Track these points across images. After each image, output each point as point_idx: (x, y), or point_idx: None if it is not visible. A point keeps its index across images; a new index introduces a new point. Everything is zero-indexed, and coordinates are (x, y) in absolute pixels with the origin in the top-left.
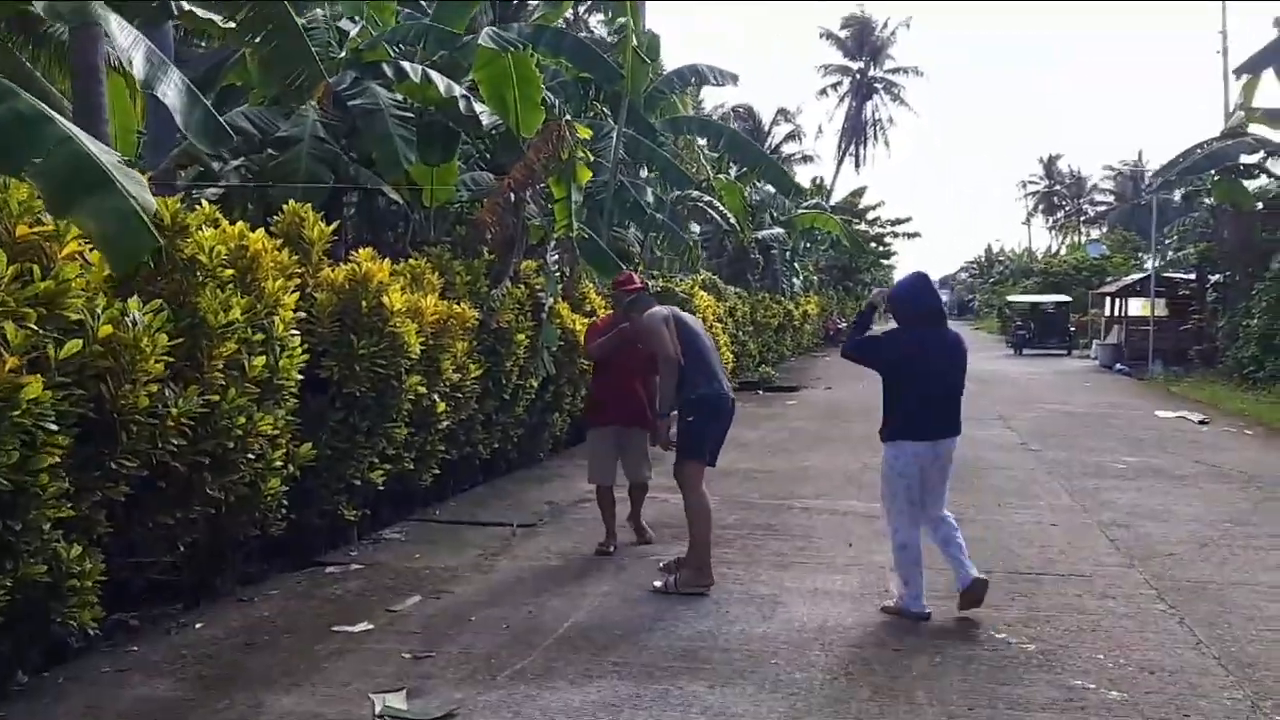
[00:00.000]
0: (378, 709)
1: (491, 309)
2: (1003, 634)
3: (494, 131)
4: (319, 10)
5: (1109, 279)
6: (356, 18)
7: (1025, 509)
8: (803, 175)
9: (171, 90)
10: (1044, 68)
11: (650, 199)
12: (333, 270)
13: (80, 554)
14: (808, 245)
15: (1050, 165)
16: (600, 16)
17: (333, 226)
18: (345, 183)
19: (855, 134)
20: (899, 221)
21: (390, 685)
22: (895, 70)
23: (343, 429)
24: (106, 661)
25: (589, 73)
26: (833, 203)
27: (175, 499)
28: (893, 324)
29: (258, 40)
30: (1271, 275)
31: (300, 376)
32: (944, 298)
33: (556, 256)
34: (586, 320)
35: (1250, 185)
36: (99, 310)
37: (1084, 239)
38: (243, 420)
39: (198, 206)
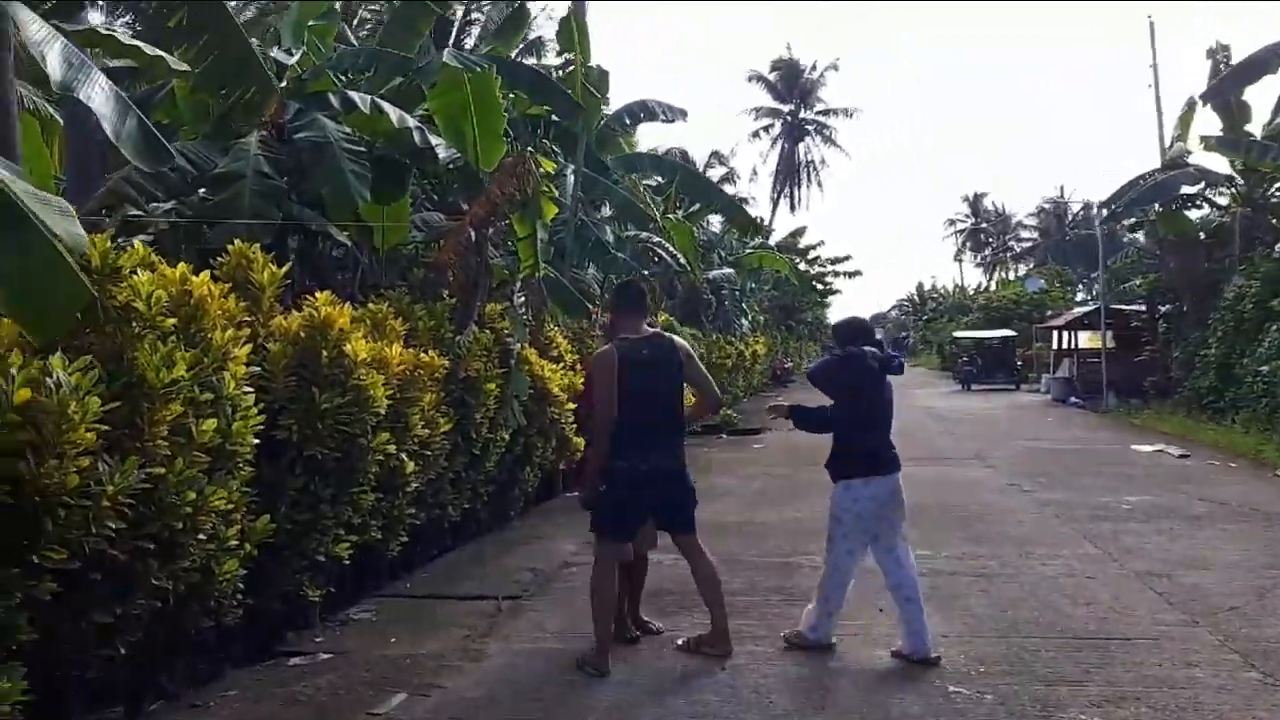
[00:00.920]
0: None
1: (459, 356)
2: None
3: (450, 166)
4: (253, 40)
5: (1049, 313)
6: (292, 50)
7: (1052, 560)
8: None
9: (97, 95)
10: (969, 107)
11: (610, 238)
12: (286, 318)
13: None
14: (753, 285)
15: (976, 203)
16: (534, 58)
17: (284, 269)
18: (291, 222)
19: (789, 175)
20: (839, 260)
21: None
22: (825, 112)
23: (304, 498)
24: None
25: (549, 105)
26: (774, 243)
27: (114, 593)
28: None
29: (197, 48)
30: (1226, 304)
31: (255, 440)
32: (878, 335)
33: (523, 299)
34: (555, 367)
35: (1193, 216)
36: (13, 371)
37: (1012, 275)
38: (192, 495)
39: (129, 248)
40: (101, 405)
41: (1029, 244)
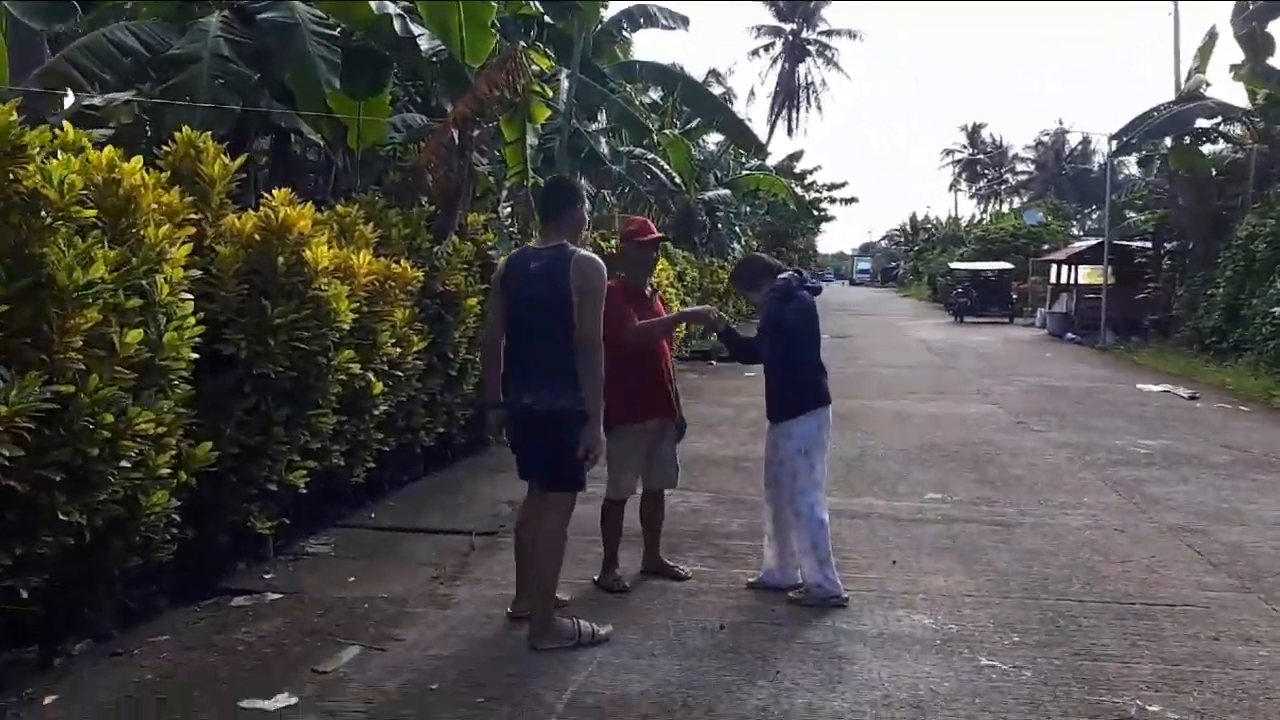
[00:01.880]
0: None
1: (436, 268)
2: (1156, 706)
3: (433, 59)
4: None
5: (1045, 246)
6: None
7: (1074, 509)
8: None
9: None
10: (972, 34)
11: (605, 150)
12: (240, 218)
13: None
14: (748, 209)
15: (974, 134)
16: None
17: (238, 161)
18: (256, 115)
19: (788, 97)
20: (835, 186)
21: None
22: (828, 32)
23: (254, 420)
24: None
25: (541, 4)
26: (771, 166)
27: (14, 530)
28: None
29: None
30: (1238, 243)
31: (194, 355)
32: (866, 265)
33: (509, 209)
34: None
35: (1207, 151)
36: None
37: (1006, 208)
38: (110, 418)
39: (58, 132)
40: None
41: (1025, 177)
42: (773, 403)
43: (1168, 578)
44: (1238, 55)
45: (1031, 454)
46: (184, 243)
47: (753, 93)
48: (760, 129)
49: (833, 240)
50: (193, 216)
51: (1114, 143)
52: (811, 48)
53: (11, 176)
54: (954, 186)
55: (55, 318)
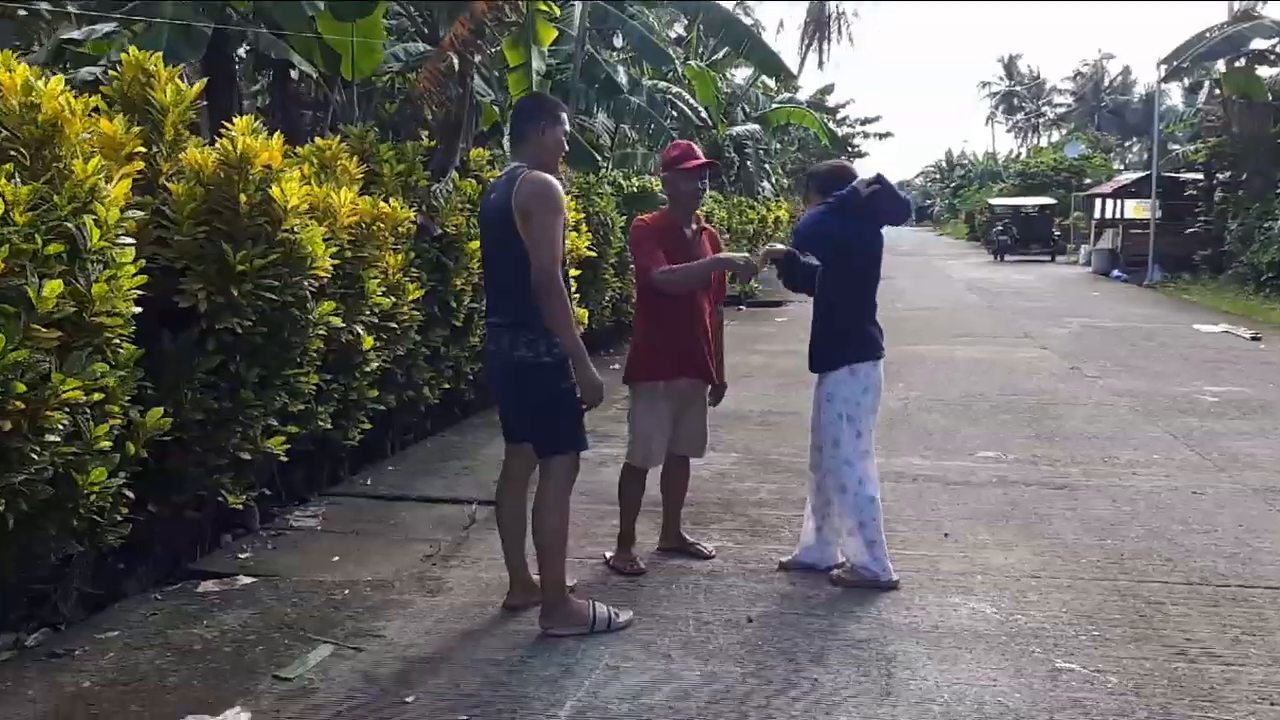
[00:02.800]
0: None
1: (434, 208)
2: None
3: None
4: None
5: (1088, 180)
6: None
7: (1144, 468)
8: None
9: None
10: None
11: (624, 79)
12: (201, 152)
13: None
14: (778, 146)
15: (1010, 65)
16: None
17: (196, 88)
18: (233, 39)
19: (819, 28)
20: (869, 121)
21: None
22: None
23: (222, 382)
24: None
25: None
26: (803, 100)
27: None
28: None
29: None
30: None
31: (138, 309)
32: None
33: None
34: None
35: (1264, 75)
36: None
37: (1044, 141)
38: (22, 386)
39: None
40: None
41: (1063, 110)
42: (810, 349)
43: (1261, 552)
44: None
45: (1090, 404)
46: (123, 178)
47: (782, 24)
48: (791, 62)
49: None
50: (139, 149)
51: (1162, 68)
52: None
53: None
54: (991, 120)
55: None
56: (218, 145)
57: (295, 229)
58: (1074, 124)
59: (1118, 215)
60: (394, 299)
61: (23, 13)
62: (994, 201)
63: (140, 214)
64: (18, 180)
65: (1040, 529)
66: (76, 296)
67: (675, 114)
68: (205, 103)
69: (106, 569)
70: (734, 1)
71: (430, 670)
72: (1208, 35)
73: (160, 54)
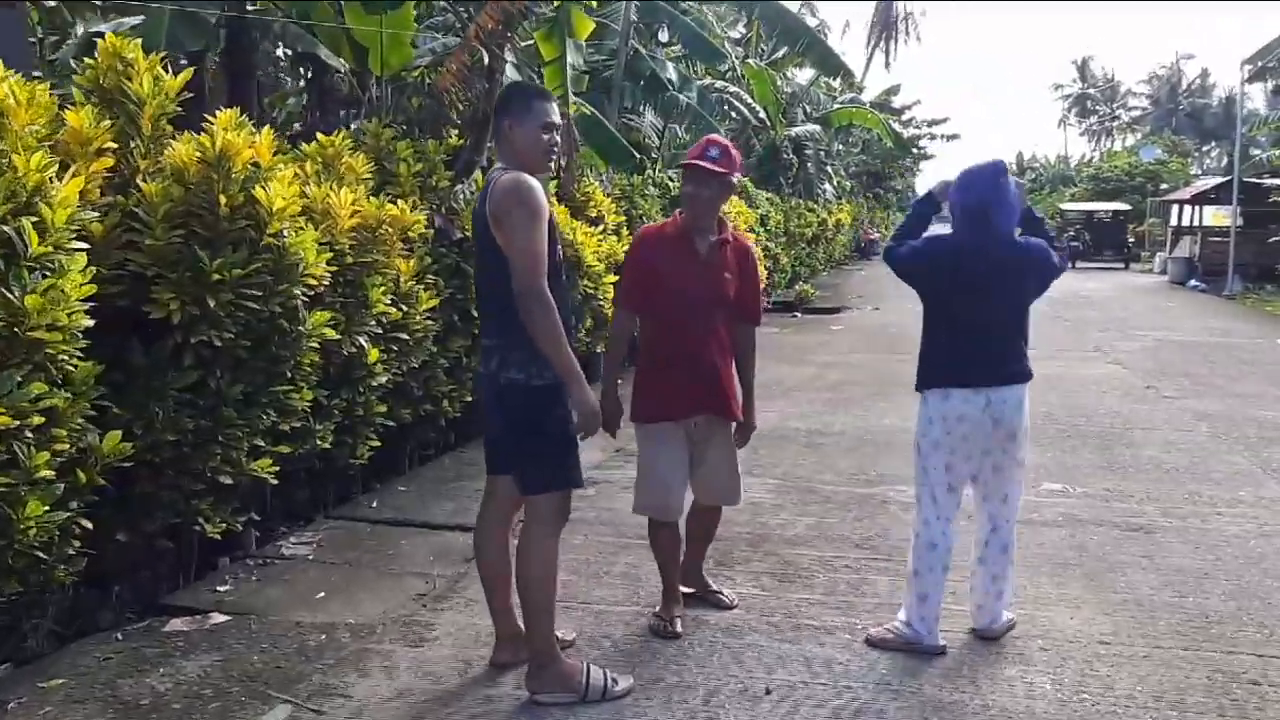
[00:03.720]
0: None
1: (454, 210)
2: None
3: None
4: None
5: (1164, 185)
6: None
7: (1229, 508)
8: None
9: None
10: None
11: (672, 75)
12: (185, 149)
13: None
14: (841, 147)
15: (1084, 67)
16: None
17: (181, 78)
18: (249, 29)
19: (885, 28)
20: (936, 123)
21: None
22: None
23: (199, 399)
24: None
25: None
26: (867, 100)
27: None
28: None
29: None
30: None
31: (89, 321)
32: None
33: None
34: (589, 231)
35: None
36: None
37: (1118, 145)
38: None
39: None
40: None
41: (1138, 113)
42: None
43: None
44: None
45: (1167, 428)
46: (74, 177)
47: (847, 24)
48: (856, 62)
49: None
50: (109, 145)
51: (1246, 69)
52: None
53: None
54: (1063, 123)
55: None
56: (194, 141)
57: (284, 233)
58: (1149, 127)
59: (1196, 222)
60: (405, 308)
61: (50, 3)
62: (1065, 207)
63: (92, 215)
64: None
65: (1112, 581)
66: (9, 309)
67: (733, 114)
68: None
69: (82, 600)
70: (798, 1)
71: None
72: None
73: (138, 42)
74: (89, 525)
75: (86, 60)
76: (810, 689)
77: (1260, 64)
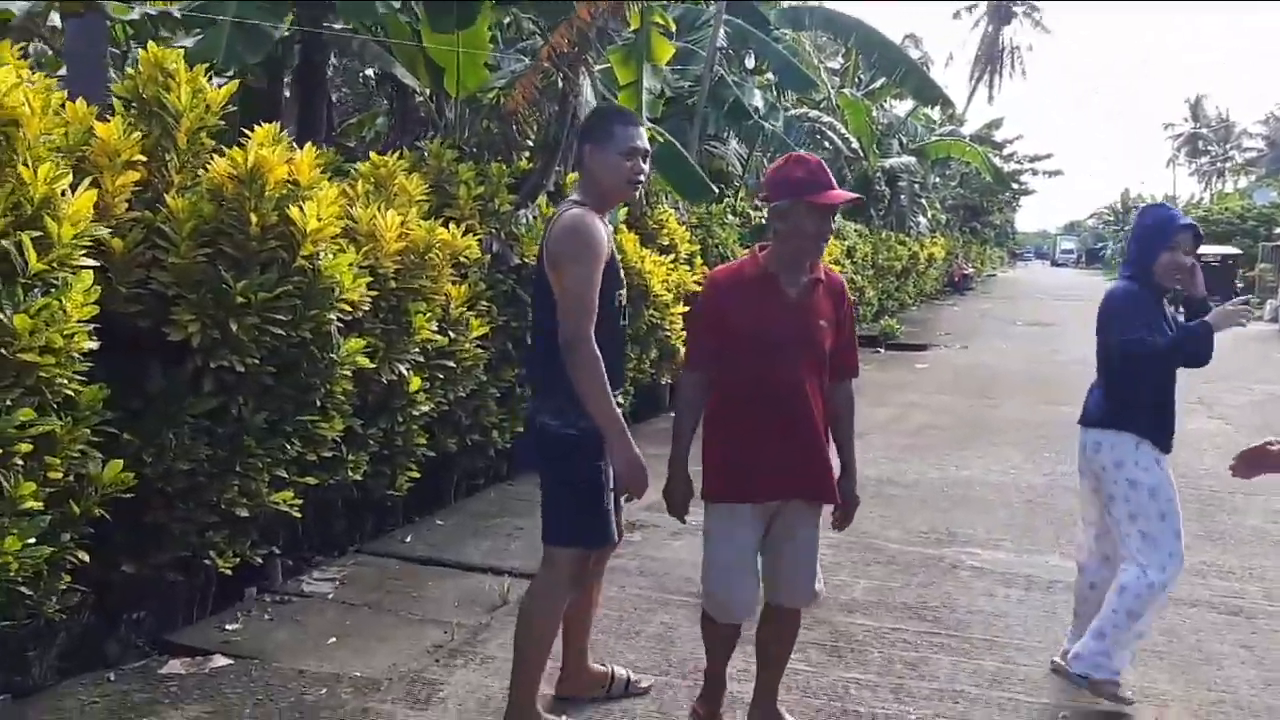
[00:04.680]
0: None
1: (514, 235)
2: None
3: None
4: None
5: (1278, 230)
6: None
7: None
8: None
9: None
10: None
11: (759, 103)
12: (223, 162)
13: None
14: (937, 180)
15: (1196, 106)
16: None
17: (225, 91)
18: (323, 45)
19: (990, 61)
20: (1038, 158)
21: None
22: None
23: (219, 427)
24: None
25: None
26: (966, 134)
27: None
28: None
29: None
30: None
31: (92, 343)
32: (1071, 245)
33: None
34: (659, 260)
35: None
36: None
37: (1230, 187)
38: None
39: None
40: None
41: (1253, 154)
42: None
43: None
44: None
45: (1274, 494)
46: (89, 190)
47: (951, 56)
48: (959, 95)
49: (1034, 217)
50: (138, 158)
51: None
52: (1019, 8)
53: None
54: (1172, 162)
55: None
56: (226, 156)
57: (319, 255)
58: (1265, 169)
59: None
60: (453, 335)
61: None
62: None
63: (107, 231)
64: None
65: (1206, 675)
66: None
67: (826, 144)
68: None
69: (90, 631)
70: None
71: None
72: None
73: (179, 52)
74: (85, 558)
75: (128, 70)
76: None
77: None
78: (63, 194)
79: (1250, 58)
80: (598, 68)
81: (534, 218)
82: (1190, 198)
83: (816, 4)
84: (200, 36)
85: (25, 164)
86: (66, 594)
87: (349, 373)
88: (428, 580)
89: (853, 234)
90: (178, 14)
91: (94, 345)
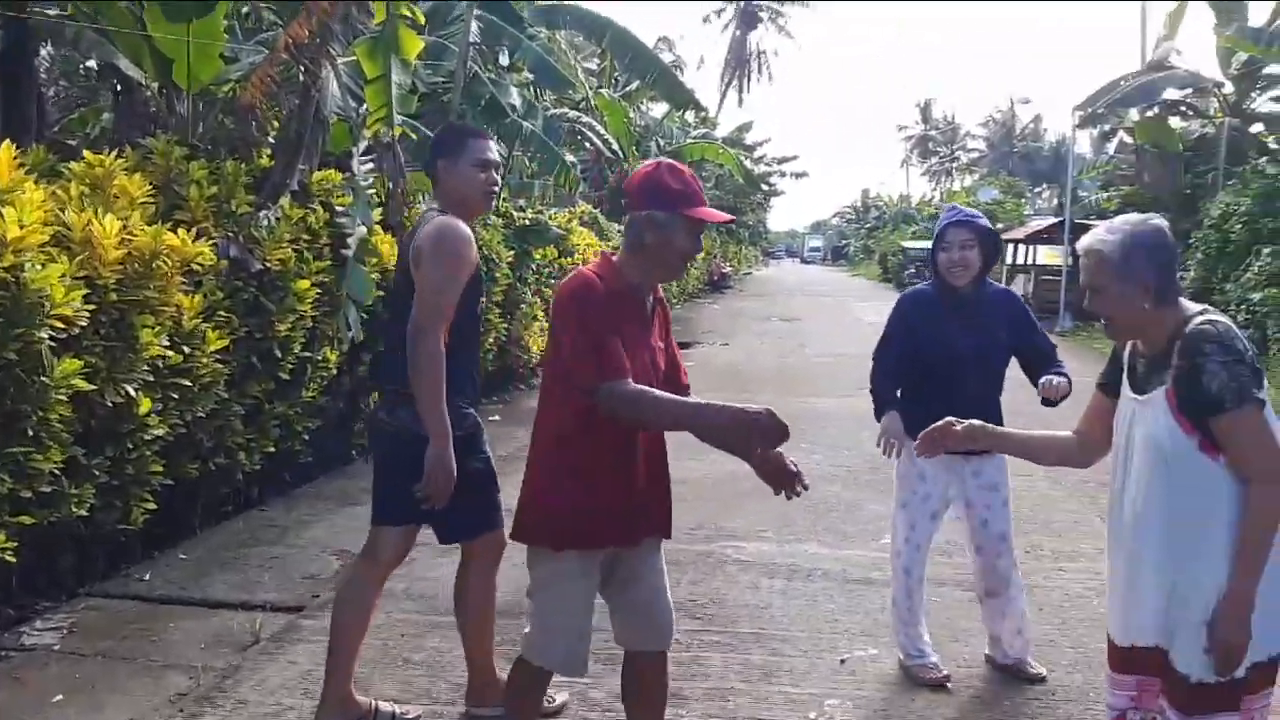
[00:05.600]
0: None
1: (254, 239)
2: None
3: None
4: None
5: (999, 225)
6: None
7: (1073, 564)
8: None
9: None
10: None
11: (516, 100)
12: None
13: None
14: None
15: (926, 109)
16: None
17: None
18: (21, 28)
19: (739, 66)
20: (785, 160)
21: None
22: None
23: None
24: None
25: None
26: (719, 137)
27: None
28: None
29: None
30: (1211, 224)
31: None
32: (818, 243)
33: (370, 165)
34: None
35: (1174, 125)
36: None
37: (957, 185)
38: None
39: None
40: None
41: (976, 155)
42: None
43: None
44: (1209, 22)
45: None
46: None
47: (702, 60)
48: (710, 98)
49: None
50: None
51: (1078, 114)
52: (764, 14)
53: None
54: (905, 163)
55: None
56: None
57: (23, 266)
58: (986, 169)
59: (1030, 261)
60: (187, 350)
61: None
62: (906, 244)
63: None
64: None
65: (955, 653)
66: None
67: (586, 144)
68: None
69: None
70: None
71: None
72: (1121, 83)
73: None
74: None
75: None
76: None
77: (1090, 110)
78: None
79: (972, 59)
80: (342, 60)
81: (276, 219)
82: (923, 196)
83: (570, 3)
84: None
85: None
86: None
87: (65, 396)
88: (169, 622)
89: (617, 235)
90: None
91: None
